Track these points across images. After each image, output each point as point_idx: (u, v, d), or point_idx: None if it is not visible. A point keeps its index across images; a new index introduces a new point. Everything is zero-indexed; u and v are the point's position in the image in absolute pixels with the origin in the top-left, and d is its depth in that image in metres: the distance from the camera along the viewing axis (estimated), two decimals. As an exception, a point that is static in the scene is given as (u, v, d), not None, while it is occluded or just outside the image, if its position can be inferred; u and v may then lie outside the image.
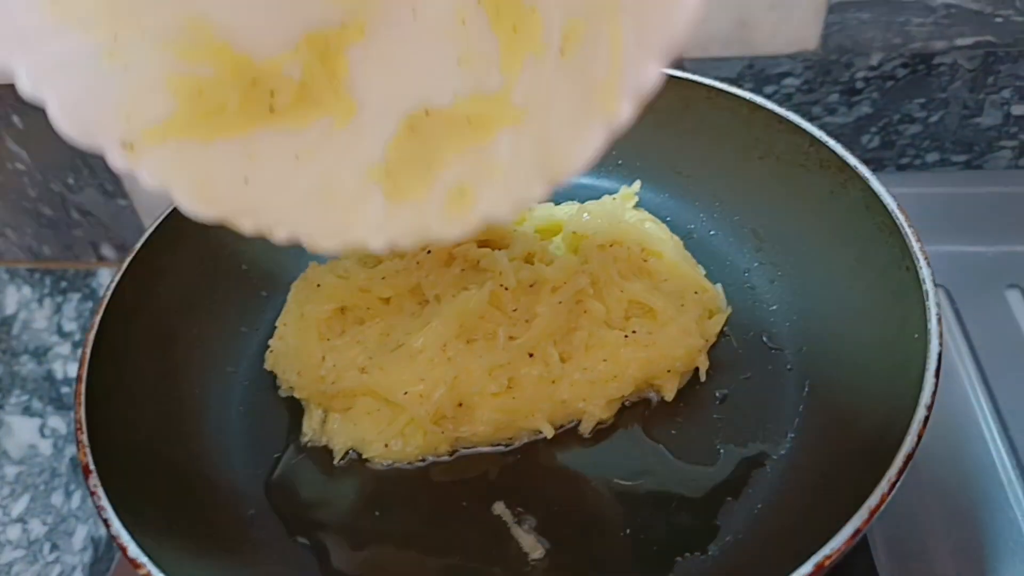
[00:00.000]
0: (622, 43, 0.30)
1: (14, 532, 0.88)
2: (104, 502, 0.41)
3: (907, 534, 0.55)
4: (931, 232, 0.73)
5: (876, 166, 0.89)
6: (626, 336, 0.53)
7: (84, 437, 0.44)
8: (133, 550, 0.39)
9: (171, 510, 0.47)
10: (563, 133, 0.32)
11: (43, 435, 0.98)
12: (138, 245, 0.57)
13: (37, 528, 0.89)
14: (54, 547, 0.88)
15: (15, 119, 0.98)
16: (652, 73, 0.29)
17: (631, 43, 0.30)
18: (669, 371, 0.53)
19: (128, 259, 0.56)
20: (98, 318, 0.51)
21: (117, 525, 0.40)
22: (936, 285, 0.69)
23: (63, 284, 1.14)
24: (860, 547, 0.54)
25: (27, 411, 1.00)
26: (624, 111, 0.30)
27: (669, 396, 0.54)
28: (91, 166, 1.02)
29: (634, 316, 0.55)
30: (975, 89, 0.82)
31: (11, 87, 1.00)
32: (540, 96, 0.34)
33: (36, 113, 0.99)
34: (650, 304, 0.55)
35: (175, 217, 0.59)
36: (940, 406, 0.61)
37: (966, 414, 0.61)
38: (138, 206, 1.06)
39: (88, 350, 0.50)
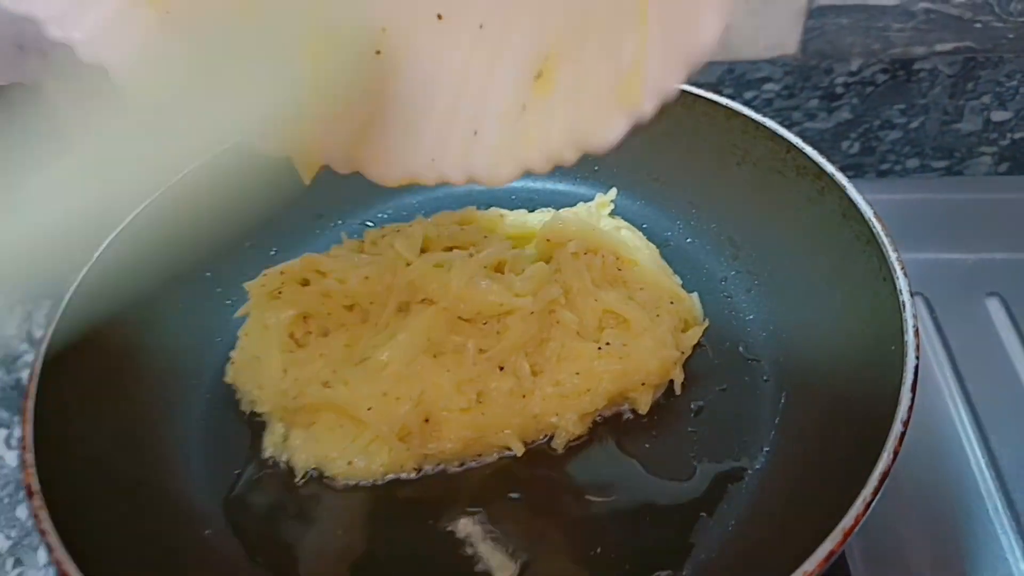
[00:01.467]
0: (646, 49, 0.34)
1: (-24, 547, 0.86)
2: (47, 525, 0.39)
3: (885, 546, 0.54)
4: (911, 239, 0.72)
5: (856, 172, 0.88)
6: (599, 348, 0.51)
7: (30, 456, 0.42)
8: (76, 576, 0.38)
9: (124, 531, 0.45)
10: (592, 113, 0.36)
11: (9, 446, 0.95)
12: (97, 252, 0.55)
13: (1, 542, 0.87)
14: (18, 562, 0.85)
15: (-19, 122, 0.96)
16: (674, 80, 0.33)
17: (657, 49, 0.33)
18: (643, 384, 0.52)
19: (86, 267, 0.54)
20: (51, 329, 0.49)
21: (60, 551, 0.38)
22: (915, 293, 0.68)
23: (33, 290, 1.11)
24: (838, 562, 0.53)
25: (-7, 422, 0.98)
26: (647, 108, 0.33)
27: (643, 409, 0.52)
28: (61, 171, 0.99)
29: (608, 327, 0.53)
30: (955, 95, 0.81)
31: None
32: (575, 75, 0.37)
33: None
34: (624, 314, 0.53)
35: (136, 224, 0.58)
36: (919, 415, 0.59)
37: (945, 424, 0.60)
38: (110, 211, 1.04)
39: (39, 364, 0.48)
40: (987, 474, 0.56)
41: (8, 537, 0.86)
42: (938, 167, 0.86)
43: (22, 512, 0.88)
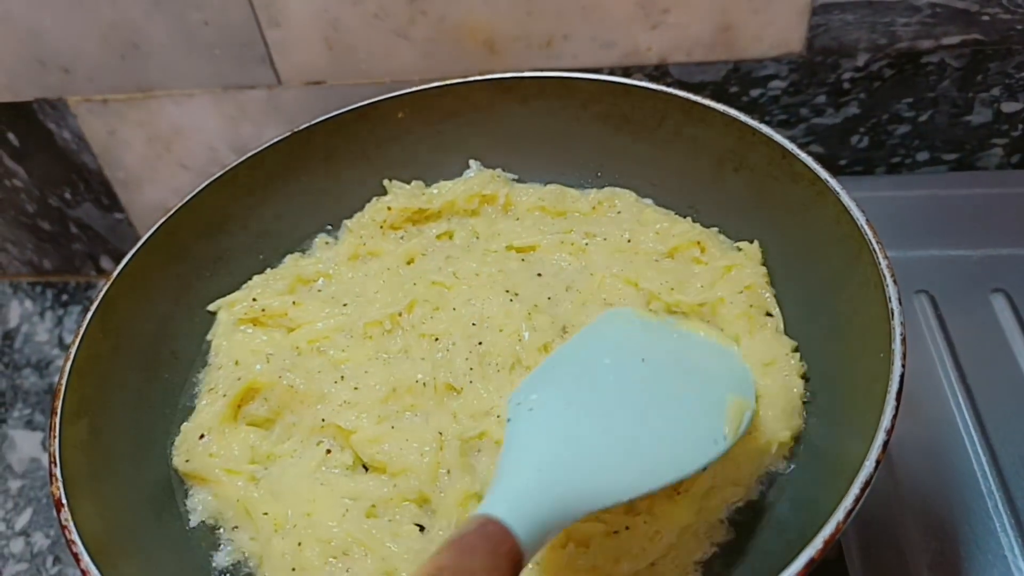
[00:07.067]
0: None
1: (17, 546, 0.90)
2: (75, 536, 0.42)
3: (883, 544, 0.54)
4: (917, 236, 0.73)
5: (866, 167, 0.88)
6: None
7: (57, 470, 0.45)
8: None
9: (149, 541, 0.48)
10: None
11: (45, 448, 0.99)
12: (115, 273, 0.57)
13: (40, 541, 0.91)
14: (56, 560, 0.89)
15: (11, 136, 1.00)
16: None
17: None
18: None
19: (108, 282, 0.56)
20: (73, 351, 0.52)
21: (87, 560, 0.41)
22: (920, 290, 0.69)
23: (64, 297, 1.15)
24: (835, 559, 0.54)
25: (29, 424, 1.02)
26: None
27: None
28: (87, 180, 1.03)
29: None
30: (964, 87, 0.81)
31: (5, 106, 1.01)
32: None
33: (31, 130, 1.00)
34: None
35: (154, 241, 0.60)
36: (920, 413, 0.61)
37: (947, 422, 0.60)
38: (134, 219, 1.07)
39: (64, 381, 0.50)
40: (988, 472, 0.57)
41: (47, 536, 0.91)
42: (949, 159, 0.86)
43: (58, 512, 0.92)
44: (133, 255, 0.58)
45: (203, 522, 0.52)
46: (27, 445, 1.00)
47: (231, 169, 0.64)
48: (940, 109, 0.83)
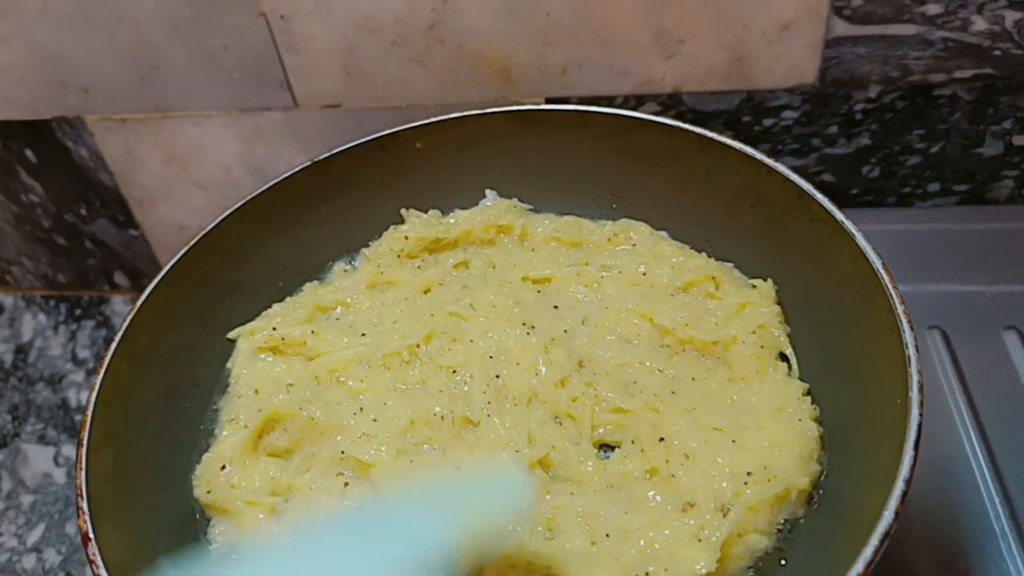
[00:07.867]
0: None
1: (29, 561, 0.91)
2: (103, 571, 0.43)
3: (898, 584, 0.55)
4: (929, 270, 0.73)
5: (877, 196, 0.89)
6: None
7: (85, 504, 0.46)
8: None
9: (172, 571, 0.48)
10: None
11: (57, 464, 1.00)
12: (138, 303, 0.58)
13: (52, 557, 0.92)
14: (68, 577, 0.90)
15: (28, 153, 1.01)
16: None
17: None
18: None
19: (130, 315, 0.57)
20: (98, 382, 0.53)
21: (113, 595, 0.42)
22: (932, 326, 0.69)
23: (77, 311, 1.16)
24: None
25: (42, 439, 1.03)
26: None
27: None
28: (102, 197, 1.04)
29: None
30: (975, 120, 0.82)
31: (23, 123, 1.02)
32: None
33: (49, 148, 1.01)
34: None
35: (176, 270, 0.61)
36: (932, 450, 0.61)
37: (959, 459, 0.61)
38: (149, 235, 1.08)
39: (90, 412, 0.51)
40: (1001, 511, 0.57)
41: (59, 552, 0.91)
42: (960, 191, 0.87)
43: (71, 528, 0.93)
44: (155, 285, 0.59)
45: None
46: (40, 460, 1.00)
47: (251, 199, 0.65)
48: (951, 141, 0.83)
